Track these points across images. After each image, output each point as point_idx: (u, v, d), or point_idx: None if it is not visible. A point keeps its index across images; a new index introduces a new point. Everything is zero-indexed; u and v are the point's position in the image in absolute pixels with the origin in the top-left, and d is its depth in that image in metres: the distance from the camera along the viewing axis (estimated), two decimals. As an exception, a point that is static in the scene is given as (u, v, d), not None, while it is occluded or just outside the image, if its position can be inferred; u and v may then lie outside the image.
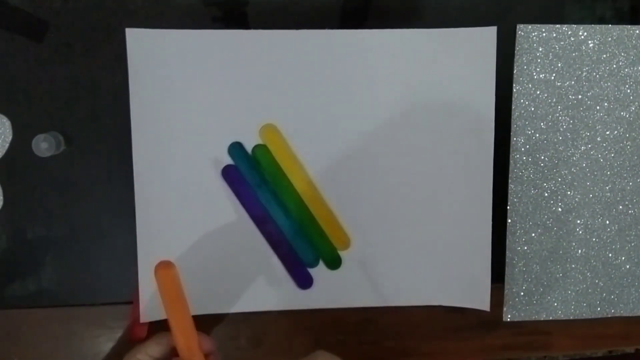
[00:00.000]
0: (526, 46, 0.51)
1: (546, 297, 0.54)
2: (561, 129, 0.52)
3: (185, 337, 0.40)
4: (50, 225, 0.50)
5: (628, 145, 0.53)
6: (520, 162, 0.52)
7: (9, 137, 0.48)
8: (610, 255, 0.54)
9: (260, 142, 0.49)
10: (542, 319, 0.54)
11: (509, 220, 0.53)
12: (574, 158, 0.53)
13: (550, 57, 0.51)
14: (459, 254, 0.52)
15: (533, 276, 0.54)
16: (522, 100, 0.52)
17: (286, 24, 0.49)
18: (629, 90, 0.52)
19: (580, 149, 0.53)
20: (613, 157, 0.53)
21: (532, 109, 0.52)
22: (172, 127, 0.48)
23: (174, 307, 0.41)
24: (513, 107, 0.52)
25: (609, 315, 0.55)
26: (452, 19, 0.50)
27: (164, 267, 0.42)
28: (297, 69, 0.49)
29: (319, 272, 0.51)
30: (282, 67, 0.49)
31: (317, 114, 0.50)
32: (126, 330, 0.51)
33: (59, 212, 0.49)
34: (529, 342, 0.55)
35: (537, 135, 0.52)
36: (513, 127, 0.52)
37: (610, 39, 0.52)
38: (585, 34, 0.51)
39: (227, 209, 0.50)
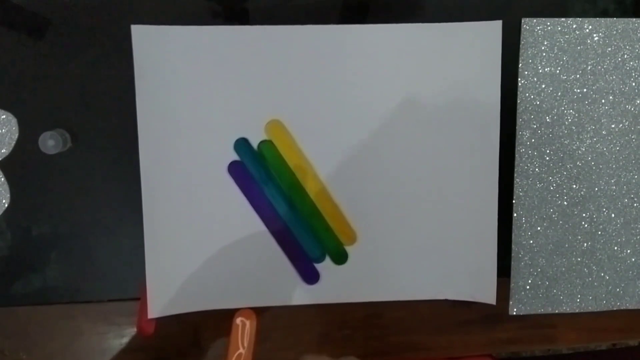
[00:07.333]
0: (531, 40, 0.51)
1: (552, 290, 0.54)
2: (566, 123, 0.52)
3: None
4: (57, 222, 0.50)
5: (633, 138, 0.53)
6: (526, 156, 0.52)
7: (16, 135, 0.48)
8: (616, 248, 0.54)
9: (266, 137, 0.49)
10: (547, 312, 0.54)
11: (515, 214, 0.53)
12: (580, 152, 0.53)
13: (556, 50, 0.51)
14: (465, 248, 0.52)
15: (539, 270, 0.54)
16: (527, 94, 0.52)
17: (287, 18, 0.49)
18: (634, 84, 0.52)
19: (586, 143, 0.53)
20: (618, 150, 0.53)
21: (537, 102, 0.52)
22: (178, 123, 0.48)
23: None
24: (518, 101, 0.52)
25: (615, 309, 0.55)
26: (456, 13, 0.50)
27: (243, 315, 0.40)
28: (303, 64, 0.49)
29: (325, 267, 0.51)
30: (287, 63, 0.49)
31: (323, 110, 0.50)
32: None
33: (65, 209, 0.49)
34: (535, 335, 0.55)
35: (543, 129, 0.52)
36: (518, 121, 0.52)
37: (615, 32, 0.52)
38: (591, 27, 0.51)
39: (233, 205, 0.50)
